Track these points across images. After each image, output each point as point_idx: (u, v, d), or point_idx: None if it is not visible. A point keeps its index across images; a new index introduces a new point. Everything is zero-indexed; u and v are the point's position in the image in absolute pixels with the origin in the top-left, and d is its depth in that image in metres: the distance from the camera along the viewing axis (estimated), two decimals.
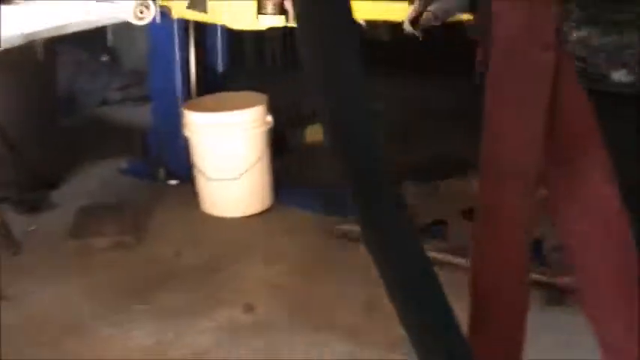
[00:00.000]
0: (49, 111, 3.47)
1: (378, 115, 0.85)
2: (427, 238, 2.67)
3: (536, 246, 2.05)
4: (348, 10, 0.77)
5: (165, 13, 2.89)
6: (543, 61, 1.10)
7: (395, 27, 2.22)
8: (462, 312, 1.16)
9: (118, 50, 4.46)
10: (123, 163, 3.53)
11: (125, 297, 2.55)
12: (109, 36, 4.38)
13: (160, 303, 2.51)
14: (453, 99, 3.91)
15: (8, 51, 2.40)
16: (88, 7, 2.68)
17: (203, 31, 3.33)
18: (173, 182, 3.36)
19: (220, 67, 3.47)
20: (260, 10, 2.65)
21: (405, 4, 2.32)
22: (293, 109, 3.61)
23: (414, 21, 1.52)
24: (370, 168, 0.81)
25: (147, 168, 3.42)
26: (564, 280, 1.96)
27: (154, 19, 2.63)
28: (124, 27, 2.90)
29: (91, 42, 4.10)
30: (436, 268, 0.82)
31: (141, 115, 3.73)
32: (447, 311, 0.82)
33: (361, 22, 2.39)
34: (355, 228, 2.81)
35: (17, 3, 2.63)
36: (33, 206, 3.17)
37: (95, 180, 3.43)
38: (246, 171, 3.08)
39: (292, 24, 2.63)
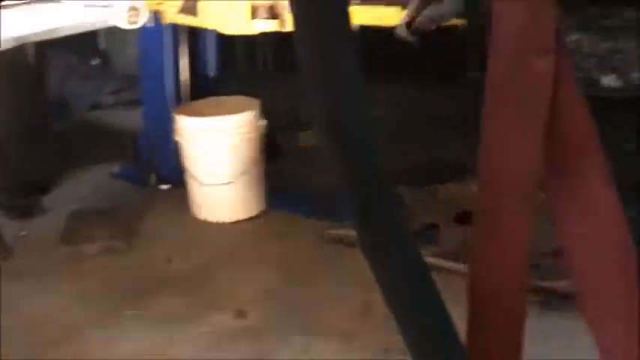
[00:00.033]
0: (40, 115, 3.46)
1: (378, 119, 0.85)
2: (421, 242, 2.67)
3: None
4: (345, 14, 0.77)
5: (156, 17, 2.89)
6: (542, 65, 1.09)
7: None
8: (459, 319, 1.16)
9: (110, 54, 4.45)
10: (114, 168, 3.52)
11: (116, 302, 2.54)
12: (101, 39, 4.36)
13: (151, 308, 2.50)
14: (448, 104, 3.92)
15: None
16: (79, 11, 2.68)
17: (194, 35, 3.33)
18: (164, 187, 3.35)
19: (212, 71, 3.46)
20: (253, 14, 2.65)
21: (398, 9, 2.33)
22: (285, 113, 3.61)
23: (408, 26, 1.52)
24: (368, 171, 0.81)
25: (138, 173, 3.41)
26: (561, 285, 1.97)
27: (145, 23, 2.63)
28: (116, 30, 2.89)
29: (82, 46, 4.09)
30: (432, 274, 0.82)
31: (133, 119, 3.72)
32: (445, 317, 0.82)
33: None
34: (348, 233, 2.82)
35: (7, 6, 2.63)
36: (24, 211, 3.15)
37: (86, 185, 3.42)
38: (238, 176, 3.07)
39: (285, 29, 2.63)
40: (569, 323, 1.90)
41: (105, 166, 3.53)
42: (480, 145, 1.15)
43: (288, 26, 2.60)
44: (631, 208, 1.21)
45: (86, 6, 2.67)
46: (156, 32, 3.07)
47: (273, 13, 2.63)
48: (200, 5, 2.76)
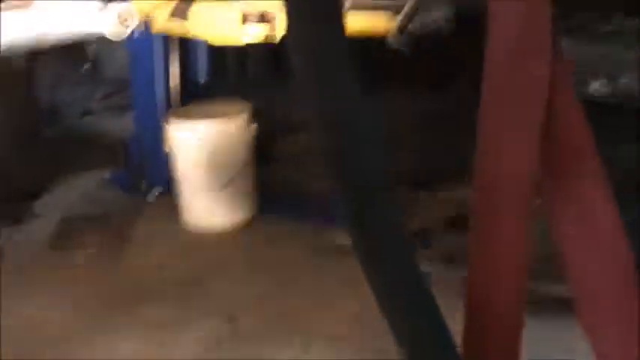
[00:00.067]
0: (31, 122, 3.45)
1: (378, 125, 0.85)
2: (414, 247, 2.67)
3: None
4: (339, 20, 0.77)
5: (146, 24, 2.88)
6: (539, 68, 1.09)
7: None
8: (457, 324, 1.17)
9: (100, 58, 4.43)
10: (105, 174, 3.51)
11: (108, 309, 2.53)
12: (91, 45, 4.35)
13: (143, 315, 2.49)
14: (437, 110, 3.93)
15: None
16: (68, 21, 2.66)
17: (184, 40, 3.33)
18: (155, 193, 3.34)
19: (202, 77, 3.46)
20: (244, 21, 2.65)
21: (387, 16, 2.34)
22: (276, 117, 3.61)
23: (400, 33, 1.52)
24: (363, 175, 0.81)
25: (129, 179, 3.40)
26: (554, 289, 1.98)
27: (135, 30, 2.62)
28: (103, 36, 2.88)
29: (72, 51, 4.08)
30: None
31: (123, 125, 3.71)
32: (440, 323, 0.82)
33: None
34: (341, 239, 2.82)
35: None
36: (14, 217, 3.14)
37: (77, 191, 3.41)
38: (229, 181, 3.06)
39: (274, 39, 2.63)
40: (562, 328, 1.90)
41: (96, 172, 3.52)
42: (476, 149, 1.15)
43: (279, 33, 2.61)
44: (628, 212, 1.21)
45: (76, 15, 2.66)
46: (146, 38, 3.07)
47: (263, 20, 2.63)
48: (191, 10, 2.75)
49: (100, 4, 2.59)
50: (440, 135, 3.51)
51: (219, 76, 3.72)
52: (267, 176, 3.28)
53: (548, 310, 2.17)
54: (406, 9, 1.55)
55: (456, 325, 1.15)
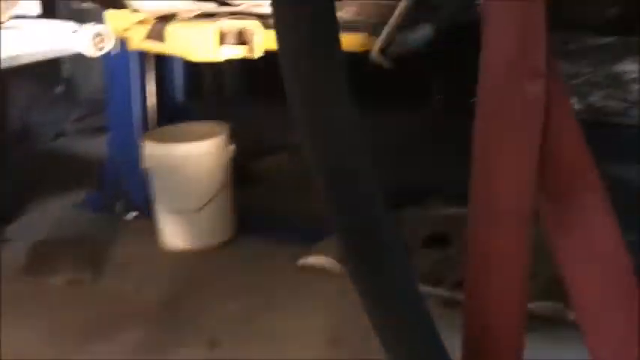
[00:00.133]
0: (2, 143, 3.38)
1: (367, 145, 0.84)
2: None
3: None
4: (334, 39, 0.75)
5: (122, 43, 2.85)
6: (534, 90, 1.09)
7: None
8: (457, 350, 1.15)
9: (75, 79, 4.38)
10: (79, 197, 3.45)
11: (84, 335, 2.46)
12: (65, 65, 4.30)
13: (121, 340, 2.43)
14: (413, 128, 3.95)
15: None
16: (42, 39, 2.62)
17: (162, 60, 3.30)
18: (132, 215, 3.29)
19: (179, 96, 3.43)
20: (221, 40, 2.63)
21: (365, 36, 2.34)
22: (254, 138, 3.59)
23: (382, 51, 1.52)
24: (359, 195, 0.80)
25: (104, 201, 3.34)
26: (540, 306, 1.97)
27: (111, 50, 2.59)
28: (80, 56, 2.85)
29: (46, 71, 4.03)
30: None
31: (98, 146, 3.66)
32: (440, 348, 0.80)
33: None
34: (320, 260, 2.80)
35: None
36: None
37: (50, 214, 3.34)
38: (207, 202, 3.03)
39: (253, 55, 2.62)
40: (552, 346, 1.90)
41: (70, 194, 3.46)
42: (472, 173, 1.14)
43: (257, 52, 2.60)
44: (630, 232, 1.21)
45: (50, 32, 2.62)
46: (122, 58, 3.04)
47: (241, 39, 2.62)
48: (167, 30, 2.73)
49: (75, 24, 2.57)
50: (414, 154, 3.51)
51: (197, 96, 3.70)
52: (245, 197, 3.25)
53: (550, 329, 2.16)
54: (388, 28, 1.55)
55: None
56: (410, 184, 3.26)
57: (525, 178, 1.11)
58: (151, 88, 3.27)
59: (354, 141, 0.78)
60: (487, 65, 1.11)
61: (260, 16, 2.63)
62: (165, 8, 2.79)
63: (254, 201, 3.35)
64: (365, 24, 2.36)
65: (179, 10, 2.79)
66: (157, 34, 2.77)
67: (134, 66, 3.18)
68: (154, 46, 2.83)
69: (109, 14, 2.84)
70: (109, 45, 2.60)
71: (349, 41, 2.45)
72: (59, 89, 4.32)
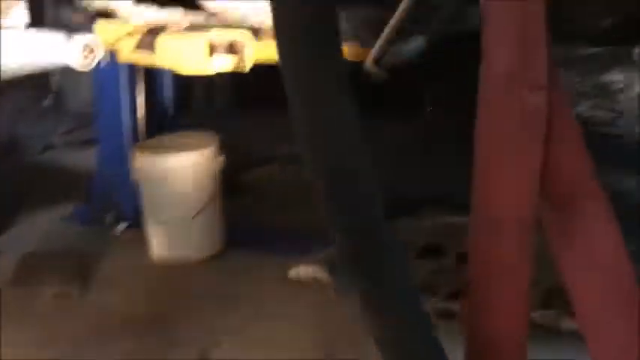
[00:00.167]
0: None
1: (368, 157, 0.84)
2: None
3: None
4: (337, 54, 0.76)
5: (111, 54, 2.85)
6: (535, 102, 1.09)
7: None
8: None
9: (63, 91, 4.36)
10: (67, 210, 3.42)
11: (73, 348, 2.44)
12: (54, 77, 4.29)
13: (111, 354, 2.41)
14: (405, 138, 3.96)
15: None
16: (30, 52, 2.61)
17: (151, 71, 3.30)
18: (122, 227, 3.27)
19: (169, 107, 3.43)
20: (211, 52, 2.64)
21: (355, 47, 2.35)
22: (244, 150, 3.59)
23: (377, 61, 1.53)
24: (359, 199, 0.80)
25: (92, 214, 3.32)
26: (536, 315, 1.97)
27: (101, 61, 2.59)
28: (69, 68, 2.84)
29: (35, 83, 4.01)
30: None
31: (86, 159, 3.65)
32: (438, 349, 0.80)
33: None
34: (309, 271, 2.80)
35: None
36: None
37: (38, 227, 3.32)
38: (197, 213, 3.02)
39: (244, 67, 2.62)
40: (553, 355, 1.89)
41: (57, 208, 3.44)
42: (473, 182, 1.14)
43: (248, 65, 2.60)
44: (633, 242, 1.21)
45: (38, 45, 2.62)
46: (112, 70, 3.03)
47: (232, 51, 2.62)
48: (157, 42, 2.73)
49: (64, 36, 2.56)
50: (408, 164, 3.52)
51: (186, 107, 3.70)
52: (235, 209, 3.25)
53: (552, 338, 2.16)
54: (382, 40, 1.56)
55: None
56: (403, 194, 3.27)
57: (527, 188, 1.12)
58: (141, 99, 3.26)
59: (354, 141, 0.78)
60: (487, 76, 1.11)
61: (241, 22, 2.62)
62: (154, 20, 2.79)
63: (243, 212, 3.35)
64: (352, 36, 2.37)
65: (168, 21, 2.79)
66: (146, 46, 2.76)
67: (123, 77, 3.17)
68: (143, 59, 2.83)
69: (99, 26, 2.83)
70: (98, 57, 2.60)
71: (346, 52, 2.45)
72: (47, 102, 4.30)
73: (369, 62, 1.55)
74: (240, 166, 3.56)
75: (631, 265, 1.15)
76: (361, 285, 0.80)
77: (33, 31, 2.59)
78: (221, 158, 3.11)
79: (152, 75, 3.33)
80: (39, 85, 4.15)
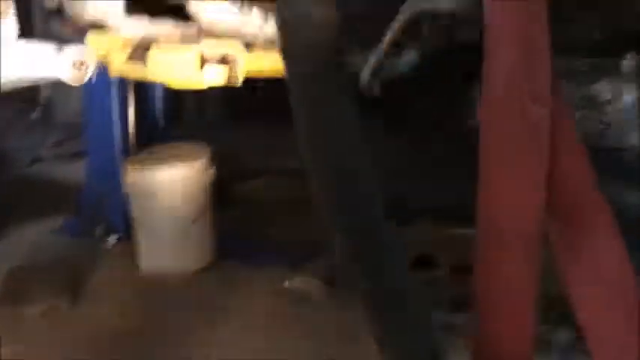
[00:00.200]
0: None
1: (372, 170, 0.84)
2: None
3: None
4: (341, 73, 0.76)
5: (102, 67, 2.83)
6: (538, 113, 1.09)
7: None
8: None
9: (52, 104, 4.34)
10: (57, 222, 3.40)
11: None
12: (43, 89, 4.26)
13: None
14: (399, 148, 3.97)
15: None
16: (21, 65, 2.60)
17: (141, 83, 3.29)
18: (112, 240, 3.25)
19: (160, 119, 3.42)
20: (202, 66, 2.63)
21: None
22: (235, 162, 3.58)
23: (372, 76, 1.54)
24: (359, 199, 0.80)
25: (82, 226, 3.30)
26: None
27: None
28: (58, 80, 2.82)
29: (23, 96, 3.98)
30: None
31: (75, 172, 3.62)
32: (437, 349, 0.80)
33: None
34: (301, 284, 2.80)
35: None
36: None
37: (27, 241, 3.28)
38: (188, 226, 3.01)
39: (236, 82, 2.62)
40: None
41: (46, 220, 3.41)
42: (478, 197, 1.14)
43: (240, 79, 2.60)
44: (638, 255, 1.22)
45: (29, 59, 2.60)
46: (102, 81, 3.02)
47: (224, 64, 2.62)
48: (149, 56, 2.72)
49: (55, 48, 2.55)
50: (401, 176, 3.53)
51: (178, 118, 3.69)
52: (225, 221, 3.24)
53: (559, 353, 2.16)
54: (377, 55, 1.57)
55: None
56: (396, 205, 3.27)
57: (532, 202, 1.12)
58: (131, 111, 3.25)
59: (354, 141, 0.78)
60: (490, 88, 1.11)
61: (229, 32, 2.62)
62: (146, 32, 2.78)
63: (233, 224, 3.34)
64: None
65: (160, 34, 2.79)
66: (138, 58, 2.75)
67: (114, 89, 3.16)
68: (135, 72, 2.82)
69: (90, 38, 2.82)
70: (91, 70, 2.58)
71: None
72: (35, 114, 4.28)
73: (365, 77, 1.55)
74: (232, 178, 3.55)
75: (635, 279, 1.15)
76: (361, 285, 0.80)
77: (22, 43, 2.57)
78: (212, 170, 3.10)
79: (142, 86, 3.32)
80: (27, 97, 4.12)
